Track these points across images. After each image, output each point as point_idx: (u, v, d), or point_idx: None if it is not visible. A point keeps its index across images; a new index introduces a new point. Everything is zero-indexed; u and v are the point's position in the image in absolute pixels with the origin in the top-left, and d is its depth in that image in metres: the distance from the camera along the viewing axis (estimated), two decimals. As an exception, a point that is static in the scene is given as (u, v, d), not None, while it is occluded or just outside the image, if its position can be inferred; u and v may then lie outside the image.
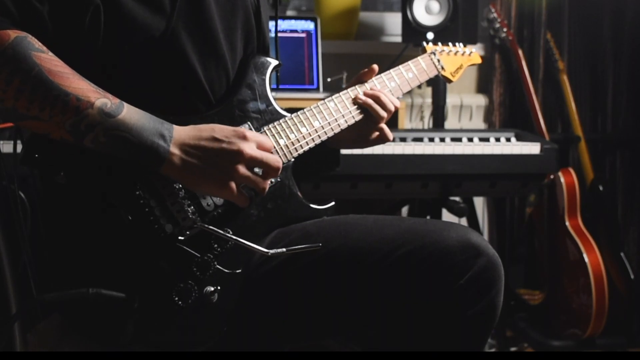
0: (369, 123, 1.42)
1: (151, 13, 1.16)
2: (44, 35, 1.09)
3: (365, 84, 1.43)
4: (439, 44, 1.65)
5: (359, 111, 1.40)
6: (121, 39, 1.15)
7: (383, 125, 1.43)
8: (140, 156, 1.09)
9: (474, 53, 1.70)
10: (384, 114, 1.40)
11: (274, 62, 1.34)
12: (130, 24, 1.14)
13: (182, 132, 1.12)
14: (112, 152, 1.09)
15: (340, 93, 1.40)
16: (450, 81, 1.64)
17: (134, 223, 1.13)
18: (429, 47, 1.62)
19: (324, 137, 1.34)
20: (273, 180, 1.26)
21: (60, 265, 1.17)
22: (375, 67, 1.46)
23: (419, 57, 1.56)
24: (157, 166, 1.10)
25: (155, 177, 1.14)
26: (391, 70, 1.48)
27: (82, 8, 1.10)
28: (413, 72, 1.51)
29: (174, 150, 1.10)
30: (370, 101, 1.40)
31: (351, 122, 1.39)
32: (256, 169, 1.16)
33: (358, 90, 1.41)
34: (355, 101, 1.40)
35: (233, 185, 1.14)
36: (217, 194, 1.16)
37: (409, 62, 1.53)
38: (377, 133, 1.45)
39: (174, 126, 1.13)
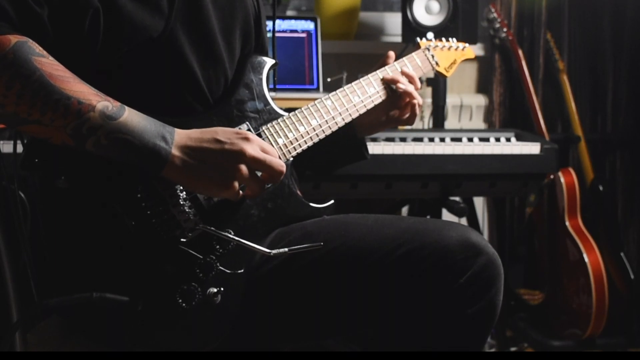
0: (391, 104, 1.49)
1: (149, 15, 1.16)
2: (44, 39, 1.09)
3: (362, 79, 1.45)
4: (433, 39, 1.67)
5: (356, 108, 1.41)
6: (120, 41, 1.15)
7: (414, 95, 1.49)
8: (141, 158, 1.09)
9: (467, 48, 1.73)
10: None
11: (270, 62, 1.34)
12: (128, 26, 1.14)
13: (183, 135, 1.12)
14: (114, 155, 1.09)
15: (337, 91, 1.40)
16: (444, 76, 1.67)
17: (136, 226, 1.13)
18: (423, 42, 1.65)
19: (322, 136, 1.35)
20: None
21: (63, 269, 1.17)
22: (392, 53, 1.51)
23: (413, 53, 1.57)
24: (159, 168, 1.10)
25: (156, 180, 1.14)
26: (386, 67, 1.49)
27: (82, 11, 1.10)
28: (408, 68, 1.52)
29: (176, 152, 1.10)
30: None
31: (348, 119, 1.40)
32: (258, 173, 1.16)
33: (355, 87, 1.42)
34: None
35: (235, 184, 1.14)
36: (219, 195, 1.16)
37: (404, 58, 1.54)
38: (406, 109, 1.51)
39: (175, 129, 1.13)
